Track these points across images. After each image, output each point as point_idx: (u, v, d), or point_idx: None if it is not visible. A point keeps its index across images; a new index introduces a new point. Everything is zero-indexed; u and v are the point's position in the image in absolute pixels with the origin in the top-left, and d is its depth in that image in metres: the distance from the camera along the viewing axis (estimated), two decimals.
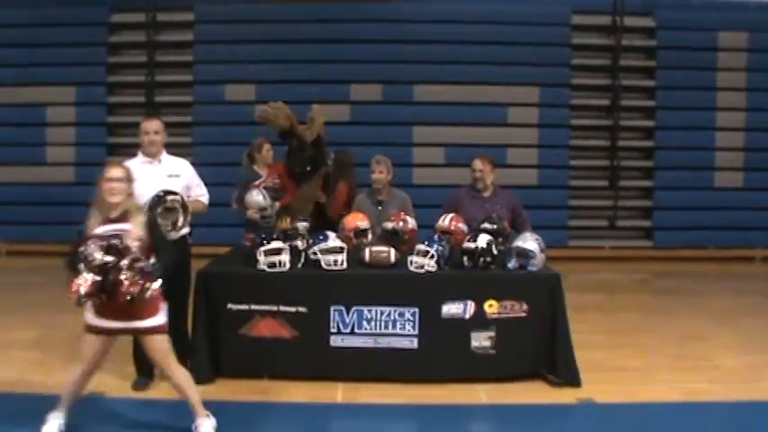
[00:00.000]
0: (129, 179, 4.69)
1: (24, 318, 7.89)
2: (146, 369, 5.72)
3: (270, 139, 7.97)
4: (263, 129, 7.75)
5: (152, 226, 4.70)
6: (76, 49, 12.45)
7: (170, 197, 5.36)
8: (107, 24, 12.68)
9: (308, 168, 7.35)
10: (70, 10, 12.48)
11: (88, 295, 4.27)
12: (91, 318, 4.61)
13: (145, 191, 5.40)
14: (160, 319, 4.66)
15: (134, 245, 4.45)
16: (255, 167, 7.81)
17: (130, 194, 4.68)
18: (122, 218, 4.59)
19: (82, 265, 4.26)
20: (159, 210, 5.28)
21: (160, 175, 5.59)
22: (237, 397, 5.50)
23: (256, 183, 7.39)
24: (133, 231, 4.52)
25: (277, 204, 7.26)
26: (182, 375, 4.78)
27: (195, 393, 4.79)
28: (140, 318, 4.57)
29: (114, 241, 4.39)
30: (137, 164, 5.63)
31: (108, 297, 4.32)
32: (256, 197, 7.05)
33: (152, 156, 5.64)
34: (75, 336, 7.02)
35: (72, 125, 12.62)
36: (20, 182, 12.40)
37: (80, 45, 12.48)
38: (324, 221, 6.94)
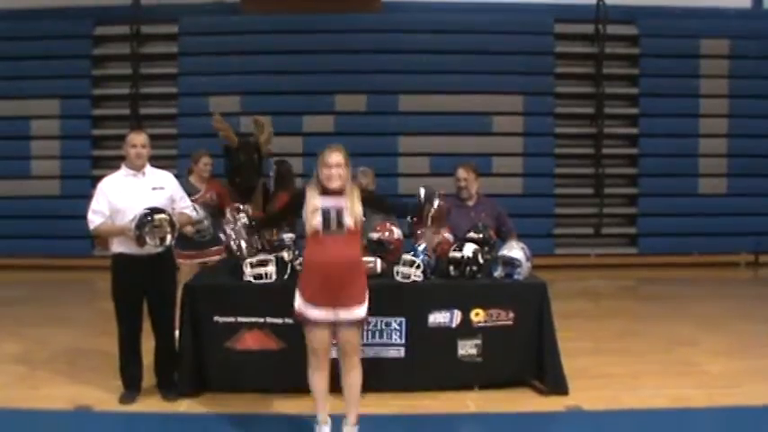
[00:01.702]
0: (347, 163, 4.81)
1: (9, 332, 7.83)
2: (133, 382, 5.69)
3: (210, 153, 7.82)
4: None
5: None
6: (60, 62, 12.39)
7: (157, 216, 5.33)
8: (91, 37, 12.62)
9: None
10: (54, 23, 12.44)
11: None
12: (303, 307, 4.72)
13: (129, 204, 5.41)
14: (365, 308, 4.76)
15: (352, 220, 4.64)
16: (191, 180, 7.59)
17: (348, 179, 4.79)
18: (339, 193, 4.71)
19: None
20: (147, 228, 5.26)
21: (144, 187, 5.55)
22: (225, 410, 5.46)
23: (192, 198, 7.09)
24: (351, 208, 4.67)
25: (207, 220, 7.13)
26: (360, 373, 4.82)
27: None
28: (354, 305, 4.67)
29: (332, 214, 4.63)
30: (120, 176, 5.62)
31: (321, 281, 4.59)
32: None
33: (137, 169, 5.59)
34: (62, 350, 7.08)
35: (56, 138, 12.52)
36: (4, 195, 12.29)
37: (64, 58, 12.41)
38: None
